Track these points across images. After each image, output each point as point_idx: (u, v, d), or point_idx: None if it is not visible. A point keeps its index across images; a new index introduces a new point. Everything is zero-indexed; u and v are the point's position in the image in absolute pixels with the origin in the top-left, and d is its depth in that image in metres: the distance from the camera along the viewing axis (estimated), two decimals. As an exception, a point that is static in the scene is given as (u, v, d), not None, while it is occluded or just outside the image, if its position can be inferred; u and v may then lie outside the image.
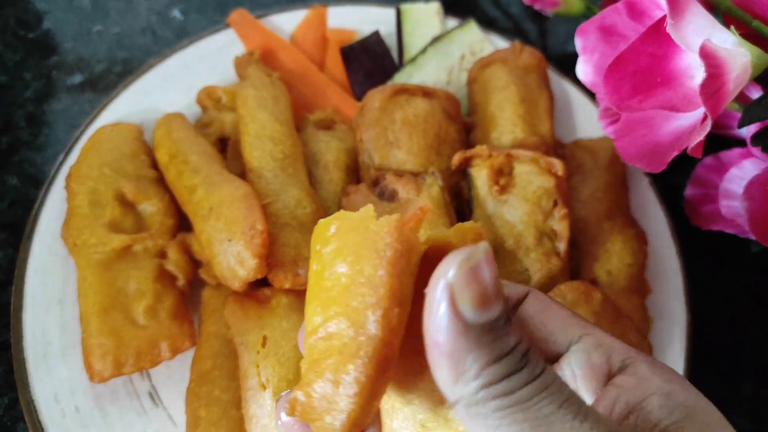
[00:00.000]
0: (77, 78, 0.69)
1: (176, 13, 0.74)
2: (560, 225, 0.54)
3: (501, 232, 0.54)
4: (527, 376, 0.25)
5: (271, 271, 0.49)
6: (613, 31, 0.46)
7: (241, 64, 0.63)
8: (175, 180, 0.54)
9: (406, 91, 0.59)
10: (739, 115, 0.46)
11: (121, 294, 0.50)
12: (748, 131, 0.54)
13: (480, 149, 0.55)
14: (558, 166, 0.54)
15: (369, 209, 0.27)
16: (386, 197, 0.55)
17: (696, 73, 0.41)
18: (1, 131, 0.64)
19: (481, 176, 0.56)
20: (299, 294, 0.51)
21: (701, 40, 0.39)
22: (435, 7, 0.70)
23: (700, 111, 0.41)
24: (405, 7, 0.70)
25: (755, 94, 0.51)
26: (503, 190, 0.55)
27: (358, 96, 0.66)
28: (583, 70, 0.48)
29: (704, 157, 0.60)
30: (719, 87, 0.39)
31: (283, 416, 0.32)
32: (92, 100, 0.67)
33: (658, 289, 0.59)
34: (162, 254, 0.53)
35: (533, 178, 0.55)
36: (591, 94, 0.67)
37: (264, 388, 0.46)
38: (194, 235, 0.53)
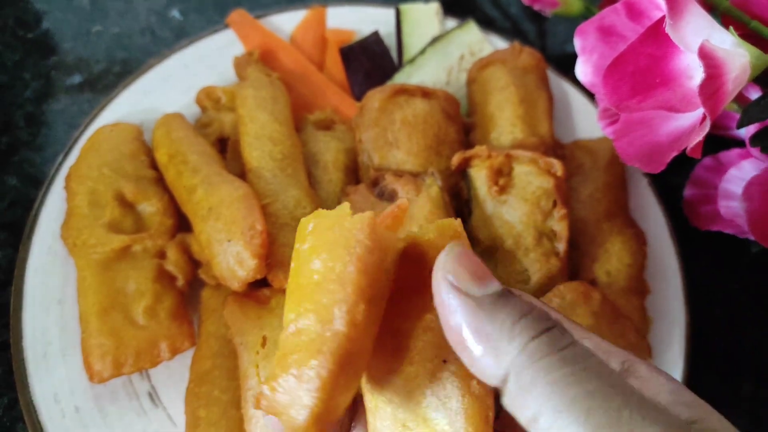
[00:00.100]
0: (76, 78, 0.69)
1: (175, 14, 0.74)
2: (559, 225, 0.54)
3: (500, 233, 0.54)
4: (562, 329, 0.26)
5: (271, 272, 0.49)
6: (612, 31, 0.46)
7: (240, 65, 0.63)
8: (175, 180, 0.54)
9: (405, 91, 0.59)
10: (737, 115, 0.46)
11: (120, 294, 0.50)
12: (747, 132, 0.54)
13: (479, 150, 0.55)
14: (557, 166, 0.54)
15: (345, 207, 0.27)
16: (386, 197, 0.55)
17: (695, 73, 0.41)
18: (0, 131, 0.64)
19: (480, 176, 0.56)
20: (299, 294, 0.51)
21: (700, 40, 0.39)
22: (434, 8, 0.70)
23: (699, 111, 0.41)
24: (404, 8, 0.70)
25: (754, 94, 0.51)
26: (502, 190, 0.55)
27: (358, 96, 0.66)
28: (582, 70, 0.48)
29: (703, 158, 0.60)
30: (718, 87, 0.39)
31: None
32: (91, 100, 0.67)
33: (658, 289, 0.59)
34: (161, 254, 0.53)
35: (532, 178, 0.55)
36: (590, 95, 0.67)
37: (263, 388, 0.46)
38: (194, 235, 0.53)
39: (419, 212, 0.51)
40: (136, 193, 0.54)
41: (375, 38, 0.68)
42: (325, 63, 0.69)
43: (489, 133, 0.61)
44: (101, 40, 0.71)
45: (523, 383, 0.25)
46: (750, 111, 0.45)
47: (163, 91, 0.63)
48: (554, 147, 0.61)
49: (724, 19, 0.47)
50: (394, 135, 0.58)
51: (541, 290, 0.52)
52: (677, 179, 0.64)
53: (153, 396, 0.52)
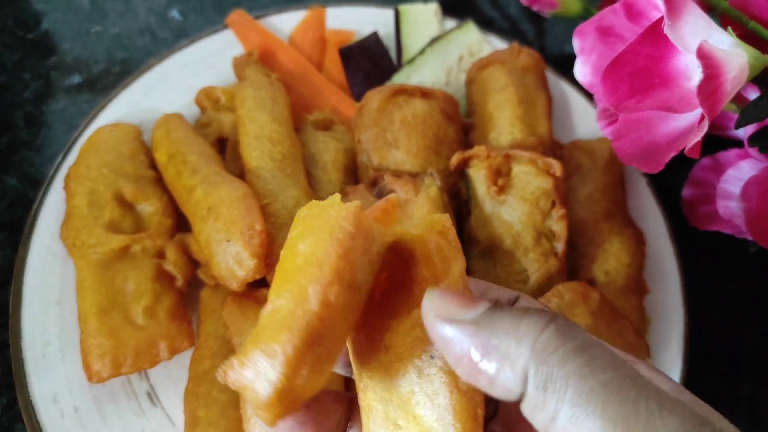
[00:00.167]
0: (76, 78, 0.69)
1: (175, 14, 0.74)
2: (558, 225, 0.54)
3: (499, 233, 0.54)
4: (566, 318, 0.26)
5: (270, 272, 0.49)
6: (611, 32, 0.46)
7: (239, 65, 0.63)
8: (174, 180, 0.54)
9: (404, 91, 0.59)
10: (736, 115, 0.46)
11: (119, 294, 0.50)
12: (745, 132, 0.54)
13: (478, 150, 0.55)
14: (556, 166, 0.54)
15: (335, 197, 0.28)
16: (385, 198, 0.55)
17: (693, 74, 0.41)
18: (0, 131, 0.65)
19: (479, 177, 0.56)
20: (298, 294, 0.51)
21: (698, 41, 0.39)
22: (433, 8, 0.70)
23: (698, 112, 0.41)
24: (403, 8, 0.70)
25: (752, 94, 0.51)
26: (501, 190, 0.55)
27: (357, 97, 0.66)
28: (581, 70, 0.48)
29: (702, 158, 0.60)
30: (716, 88, 0.39)
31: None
32: (91, 100, 0.67)
33: (656, 289, 0.59)
34: (160, 254, 0.53)
35: (531, 178, 0.55)
36: (589, 95, 0.67)
37: (262, 388, 0.46)
38: (193, 235, 0.53)
39: (418, 212, 0.52)
40: (135, 193, 0.54)
41: (374, 39, 0.68)
42: (325, 63, 0.69)
43: (488, 133, 0.61)
44: (101, 41, 0.71)
45: (539, 382, 0.24)
46: (748, 111, 0.45)
47: (163, 91, 0.63)
48: (553, 147, 0.61)
49: (723, 19, 0.48)
50: (393, 135, 0.58)
51: (540, 290, 0.52)
52: (676, 179, 0.64)
53: (152, 396, 0.52)
